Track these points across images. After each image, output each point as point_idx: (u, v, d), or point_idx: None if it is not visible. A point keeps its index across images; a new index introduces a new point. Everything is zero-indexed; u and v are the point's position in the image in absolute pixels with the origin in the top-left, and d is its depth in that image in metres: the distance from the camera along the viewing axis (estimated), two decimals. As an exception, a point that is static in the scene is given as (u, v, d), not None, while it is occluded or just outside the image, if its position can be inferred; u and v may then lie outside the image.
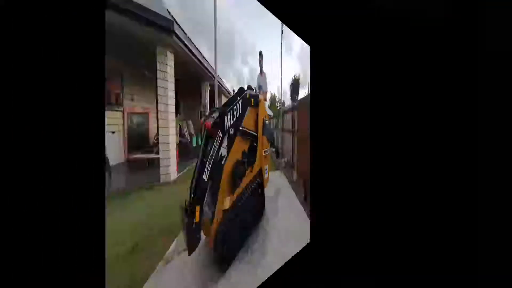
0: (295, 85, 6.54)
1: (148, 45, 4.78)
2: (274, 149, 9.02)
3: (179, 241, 2.61)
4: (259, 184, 2.82)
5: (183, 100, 10.22)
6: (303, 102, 4.52)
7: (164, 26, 4.42)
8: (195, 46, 6.59)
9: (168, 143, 4.95)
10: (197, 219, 1.72)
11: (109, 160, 5.23)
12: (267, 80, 4.43)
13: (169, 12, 4.95)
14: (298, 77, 15.76)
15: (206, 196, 1.85)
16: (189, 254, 1.77)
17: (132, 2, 3.94)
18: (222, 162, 2.06)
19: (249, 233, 2.64)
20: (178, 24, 5.10)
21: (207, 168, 1.83)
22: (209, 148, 1.88)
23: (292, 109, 5.71)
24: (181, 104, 9.99)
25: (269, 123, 3.28)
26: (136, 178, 5.09)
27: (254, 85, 4.68)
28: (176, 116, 5.74)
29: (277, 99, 9.39)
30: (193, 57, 5.94)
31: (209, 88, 10.01)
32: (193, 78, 8.83)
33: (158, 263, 2.26)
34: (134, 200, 3.86)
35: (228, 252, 2.14)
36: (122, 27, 4.15)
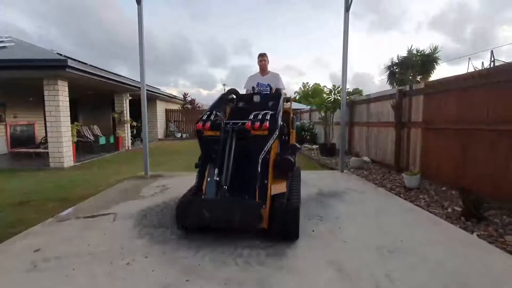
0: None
1: (35, 80, 7.27)
2: (317, 146, 9.24)
3: (78, 209, 3.51)
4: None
5: (86, 110, 14.11)
6: (445, 82, 4.53)
7: (55, 65, 6.79)
8: (103, 70, 9.28)
9: (60, 142, 7.29)
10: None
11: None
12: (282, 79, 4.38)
13: (61, 54, 7.34)
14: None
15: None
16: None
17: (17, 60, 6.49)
18: (268, 156, 2.57)
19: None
20: (75, 59, 7.53)
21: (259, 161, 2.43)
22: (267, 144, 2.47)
23: (404, 95, 5.62)
24: (80, 114, 13.44)
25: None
26: (23, 163, 7.99)
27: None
28: (73, 123, 8.09)
29: (335, 89, 8.41)
30: (98, 78, 8.25)
31: (130, 97, 12.37)
32: (106, 91, 11.14)
33: (49, 218, 3.17)
34: (24, 176, 6.19)
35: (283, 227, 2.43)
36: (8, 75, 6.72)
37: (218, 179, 2.41)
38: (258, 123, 2.49)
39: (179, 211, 2.52)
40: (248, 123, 2.53)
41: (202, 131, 2.65)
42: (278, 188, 2.55)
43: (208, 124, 2.63)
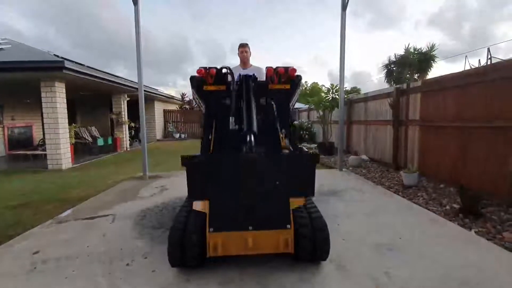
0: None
1: (32, 82, 7.23)
2: (315, 145, 9.33)
3: (77, 210, 3.51)
4: None
5: (84, 111, 14.06)
6: (443, 80, 4.53)
7: (51, 67, 6.77)
8: (100, 71, 9.24)
9: (58, 144, 7.28)
10: None
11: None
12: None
13: (57, 56, 7.34)
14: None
15: None
16: None
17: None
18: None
19: None
20: (72, 61, 7.52)
21: None
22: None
23: (402, 93, 5.69)
24: (78, 115, 13.36)
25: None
26: (21, 165, 8.16)
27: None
28: (71, 124, 8.07)
29: (333, 88, 8.54)
30: (95, 79, 8.24)
31: (128, 98, 12.34)
32: (104, 92, 11.12)
33: (48, 220, 3.16)
34: (23, 178, 6.17)
35: None
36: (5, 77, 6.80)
37: (236, 127, 1.73)
38: (283, 68, 1.98)
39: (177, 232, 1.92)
40: (270, 69, 2.04)
41: (204, 81, 1.98)
42: (297, 201, 2.15)
43: (213, 69, 1.96)
